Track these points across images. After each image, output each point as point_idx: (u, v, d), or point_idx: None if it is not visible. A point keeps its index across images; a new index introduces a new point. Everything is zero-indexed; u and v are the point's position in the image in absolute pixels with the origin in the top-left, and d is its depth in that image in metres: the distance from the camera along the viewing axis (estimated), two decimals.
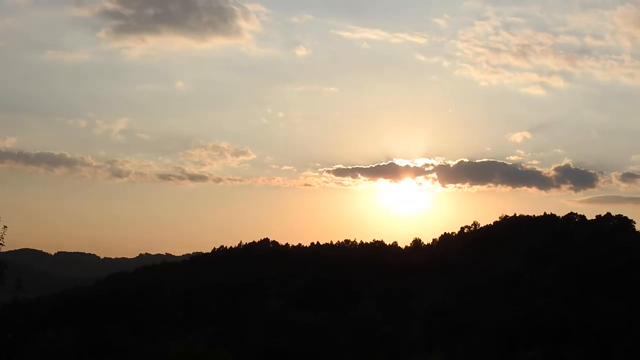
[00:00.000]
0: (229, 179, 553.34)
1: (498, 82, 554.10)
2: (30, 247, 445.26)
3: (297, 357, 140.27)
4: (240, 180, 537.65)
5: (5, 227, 32.57)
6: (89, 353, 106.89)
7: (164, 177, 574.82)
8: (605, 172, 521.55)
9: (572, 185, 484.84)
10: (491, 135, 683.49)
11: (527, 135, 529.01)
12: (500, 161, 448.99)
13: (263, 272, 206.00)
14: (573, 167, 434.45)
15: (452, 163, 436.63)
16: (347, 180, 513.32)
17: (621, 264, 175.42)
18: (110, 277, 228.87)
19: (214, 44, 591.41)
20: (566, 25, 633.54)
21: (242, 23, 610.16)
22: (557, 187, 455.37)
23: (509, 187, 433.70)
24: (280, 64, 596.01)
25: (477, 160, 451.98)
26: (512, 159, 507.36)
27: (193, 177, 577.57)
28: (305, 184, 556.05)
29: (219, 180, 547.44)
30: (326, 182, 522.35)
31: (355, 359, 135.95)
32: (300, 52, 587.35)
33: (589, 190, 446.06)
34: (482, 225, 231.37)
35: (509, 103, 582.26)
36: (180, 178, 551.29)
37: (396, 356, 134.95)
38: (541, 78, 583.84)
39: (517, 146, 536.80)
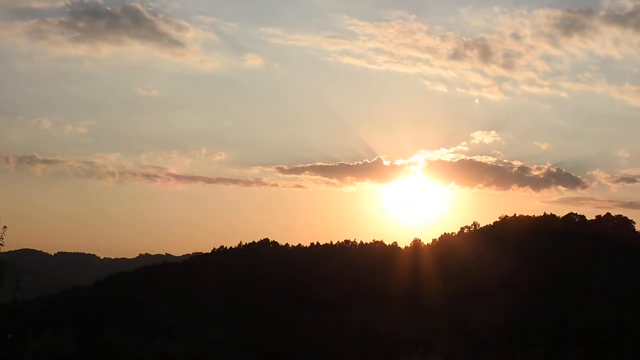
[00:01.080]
0: (219, 179, 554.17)
1: (445, 85, 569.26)
2: (30, 247, 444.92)
3: (296, 357, 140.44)
4: (234, 182, 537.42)
5: (5, 227, 32.45)
6: (88, 353, 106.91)
7: (151, 178, 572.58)
8: (591, 173, 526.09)
9: (562, 187, 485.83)
10: (460, 137, 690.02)
11: (497, 136, 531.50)
12: (485, 162, 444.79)
13: (263, 272, 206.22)
14: (555, 169, 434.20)
15: (433, 161, 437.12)
16: (336, 180, 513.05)
17: (621, 264, 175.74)
18: (110, 277, 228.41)
19: (170, 54, 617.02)
20: (490, 32, 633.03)
21: (192, 34, 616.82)
22: (548, 187, 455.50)
23: (501, 188, 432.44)
24: (233, 71, 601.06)
25: (457, 160, 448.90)
26: (492, 160, 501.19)
27: (180, 178, 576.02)
28: (297, 185, 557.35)
29: (209, 181, 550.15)
30: (316, 183, 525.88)
31: (354, 359, 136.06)
32: (253, 60, 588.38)
33: (579, 190, 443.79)
34: (482, 225, 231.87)
35: (464, 104, 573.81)
36: (167, 179, 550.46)
37: (396, 356, 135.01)
38: (486, 81, 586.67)
39: (492, 147, 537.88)
